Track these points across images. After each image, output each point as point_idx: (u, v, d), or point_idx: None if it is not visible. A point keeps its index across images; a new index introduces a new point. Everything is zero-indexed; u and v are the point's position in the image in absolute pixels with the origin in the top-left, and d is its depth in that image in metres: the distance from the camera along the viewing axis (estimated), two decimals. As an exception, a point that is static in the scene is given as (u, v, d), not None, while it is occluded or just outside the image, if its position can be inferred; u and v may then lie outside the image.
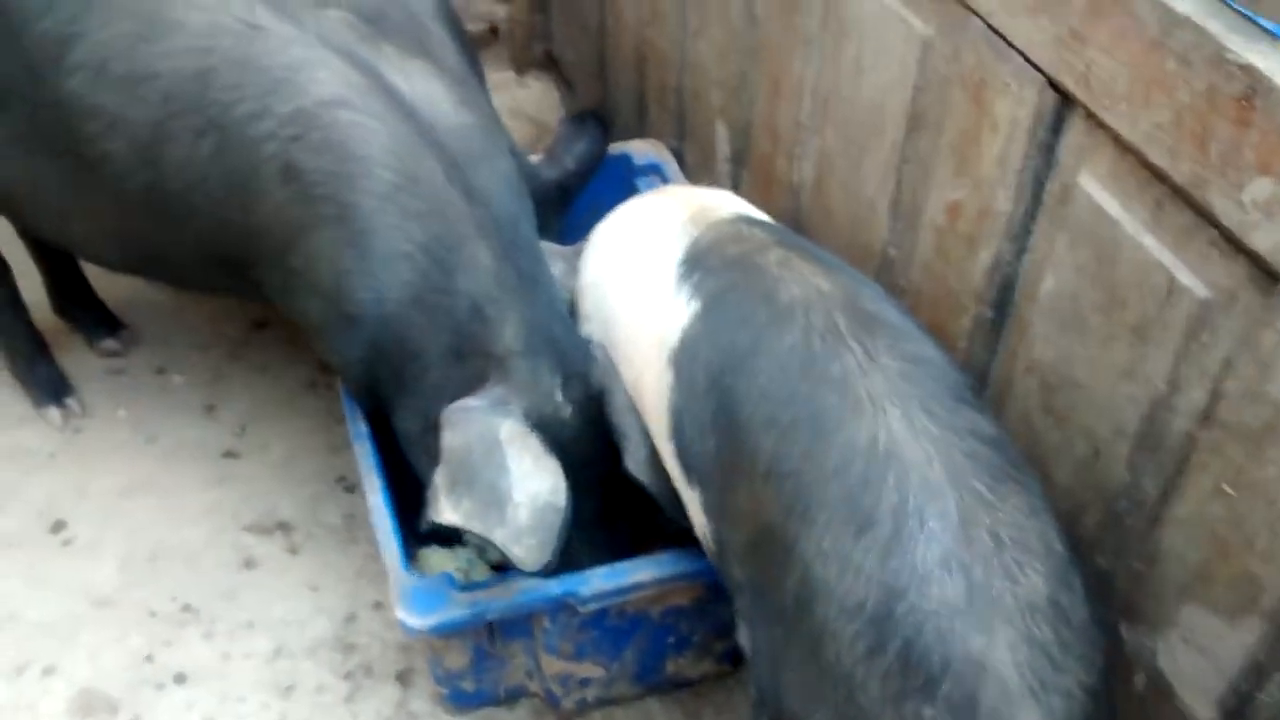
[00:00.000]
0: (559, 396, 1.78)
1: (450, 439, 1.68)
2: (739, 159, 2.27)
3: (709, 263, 1.65)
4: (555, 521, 1.64)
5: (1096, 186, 1.39)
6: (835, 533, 1.32)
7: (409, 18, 2.11)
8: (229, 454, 2.43)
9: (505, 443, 1.67)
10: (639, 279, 1.78)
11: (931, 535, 1.27)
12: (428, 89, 1.84)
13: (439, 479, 1.67)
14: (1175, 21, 1.20)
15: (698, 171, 2.44)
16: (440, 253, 1.78)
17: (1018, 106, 1.46)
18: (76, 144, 1.86)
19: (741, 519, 1.50)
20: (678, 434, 1.64)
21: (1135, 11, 1.24)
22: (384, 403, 1.93)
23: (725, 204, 1.85)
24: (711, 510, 1.59)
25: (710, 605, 1.91)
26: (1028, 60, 1.42)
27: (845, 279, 1.55)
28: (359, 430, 1.99)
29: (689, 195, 1.90)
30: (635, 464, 1.79)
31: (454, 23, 2.25)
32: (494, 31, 3.39)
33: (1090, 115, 1.36)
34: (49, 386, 2.47)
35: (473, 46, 2.32)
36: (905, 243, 1.78)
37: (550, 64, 3.35)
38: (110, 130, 1.82)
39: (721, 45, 2.20)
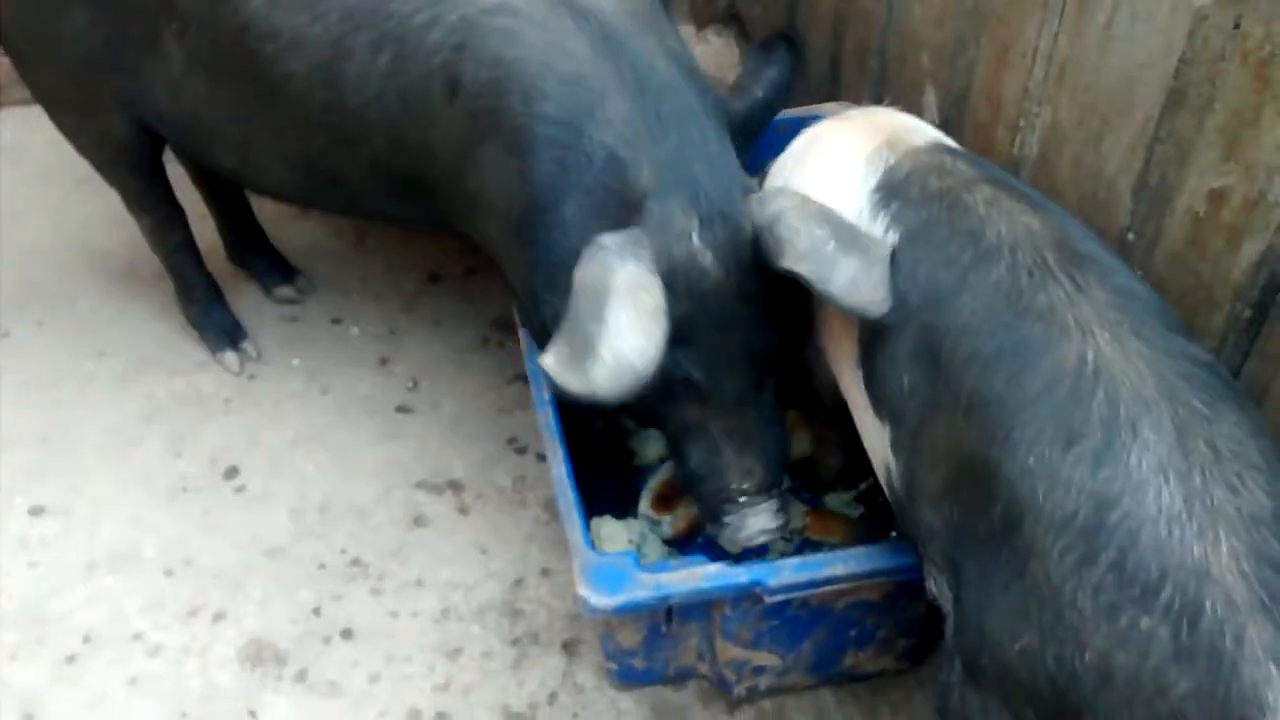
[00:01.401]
0: (695, 240, 1.64)
1: (576, 277, 1.60)
2: (949, 127, 2.11)
3: (909, 193, 1.58)
4: (630, 384, 1.54)
5: (1407, 181, 1.23)
6: (1042, 449, 1.29)
7: None
8: (401, 409, 2.40)
9: (613, 291, 1.56)
10: (831, 200, 1.66)
11: (1146, 444, 1.23)
12: None
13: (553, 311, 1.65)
14: None
15: (898, 140, 2.29)
16: (580, 112, 1.67)
17: (1315, 86, 1.30)
18: (257, 66, 1.84)
19: (939, 456, 1.45)
20: (867, 364, 1.58)
21: None
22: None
23: (921, 130, 1.75)
24: (902, 448, 1.53)
25: (900, 601, 1.82)
26: (1336, 33, 1.26)
27: (1056, 218, 1.49)
28: (541, 397, 1.93)
29: (883, 118, 1.79)
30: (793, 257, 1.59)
31: None
32: (675, -16, 3.27)
33: None
34: (225, 332, 2.48)
35: None
36: (1149, 229, 1.63)
37: (733, 19, 3.22)
38: (291, 49, 1.80)
39: (939, 6, 2.05)
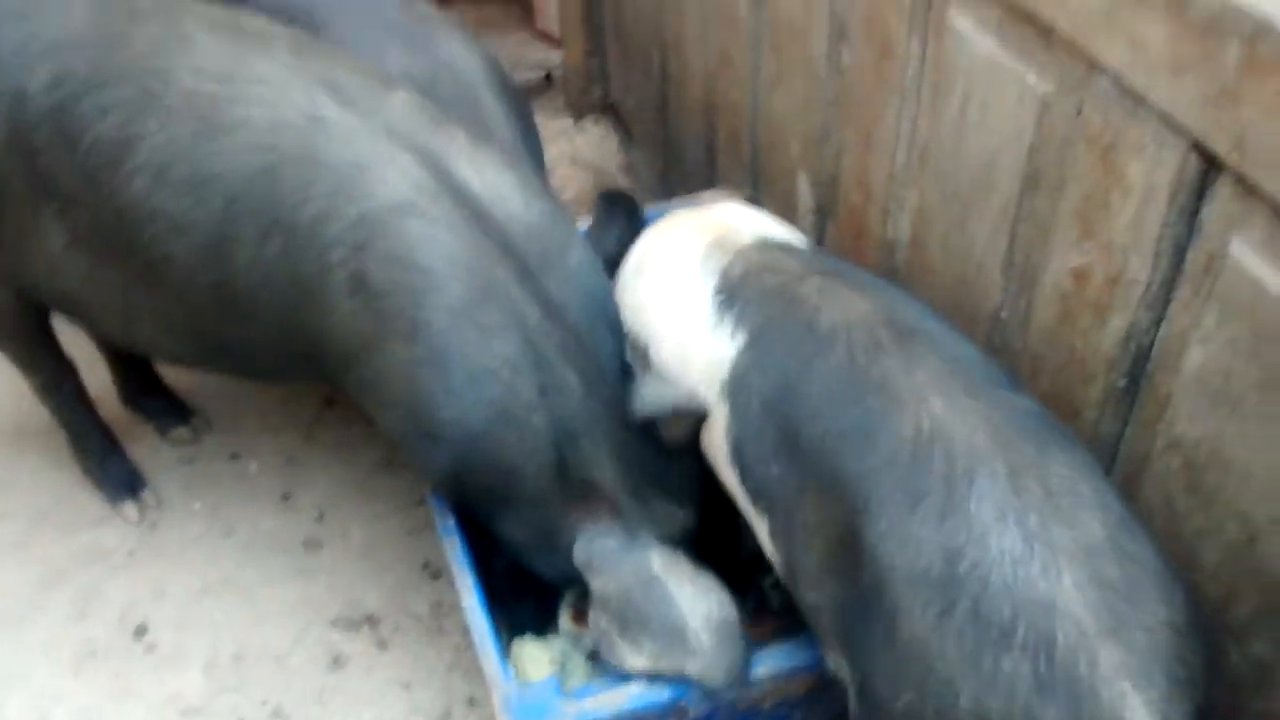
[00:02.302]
0: (680, 517, 1.78)
1: (604, 585, 1.71)
2: (824, 210, 2.16)
3: (747, 294, 1.65)
4: (735, 632, 1.65)
5: (1251, 256, 1.26)
6: (894, 511, 1.35)
7: (460, 86, 2.04)
8: (309, 543, 2.35)
9: (661, 576, 1.69)
10: (676, 307, 1.74)
11: (983, 493, 1.30)
12: (498, 182, 1.74)
13: (607, 627, 1.70)
14: (1351, 84, 1.08)
15: (778, 223, 2.33)
16: (526, 370, 1.71)
17: (1155, 169, 1.34)
18: (140, 247, 1.79)
19: (812, 537, 1.51)
20: (739, 461, 1.63)
21: (1300, 72, 1.12)
22: (477, 511, 1.86)
23: (744, 224, 1.82)
24: (780, 536, 1.59)
25: (824, 692, 1.81)
26: (1169, 121, 1.30)
27: (885, 298, 1.58)
28: (448, 525, 1.90)
29: (708, 220, 1.85)
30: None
31: (506, 87, 2.17)
32: (549, 78, 3.30)
33: (1242, 180, 1.24)
34: (123, 481, 2.42)
35: (528, 105, 2.24)
36: (1021, 306, 1.66)
37: (608, 109, 3.26)
38: (174, 233, 1.75)
39: (802, 95, 2.09)
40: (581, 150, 3.22)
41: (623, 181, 3.13)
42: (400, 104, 1.76)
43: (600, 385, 1.75)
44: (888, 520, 1.35)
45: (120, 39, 1.76)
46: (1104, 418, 1.57)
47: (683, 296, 1.72)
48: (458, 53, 2.12)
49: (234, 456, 2.53)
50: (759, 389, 1.57)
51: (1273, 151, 1.18)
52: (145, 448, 2.53)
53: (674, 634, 1.65)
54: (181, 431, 2.53)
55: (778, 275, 1.64)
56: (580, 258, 1.80)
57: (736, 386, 1.61)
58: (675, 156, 2.83)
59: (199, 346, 1.98)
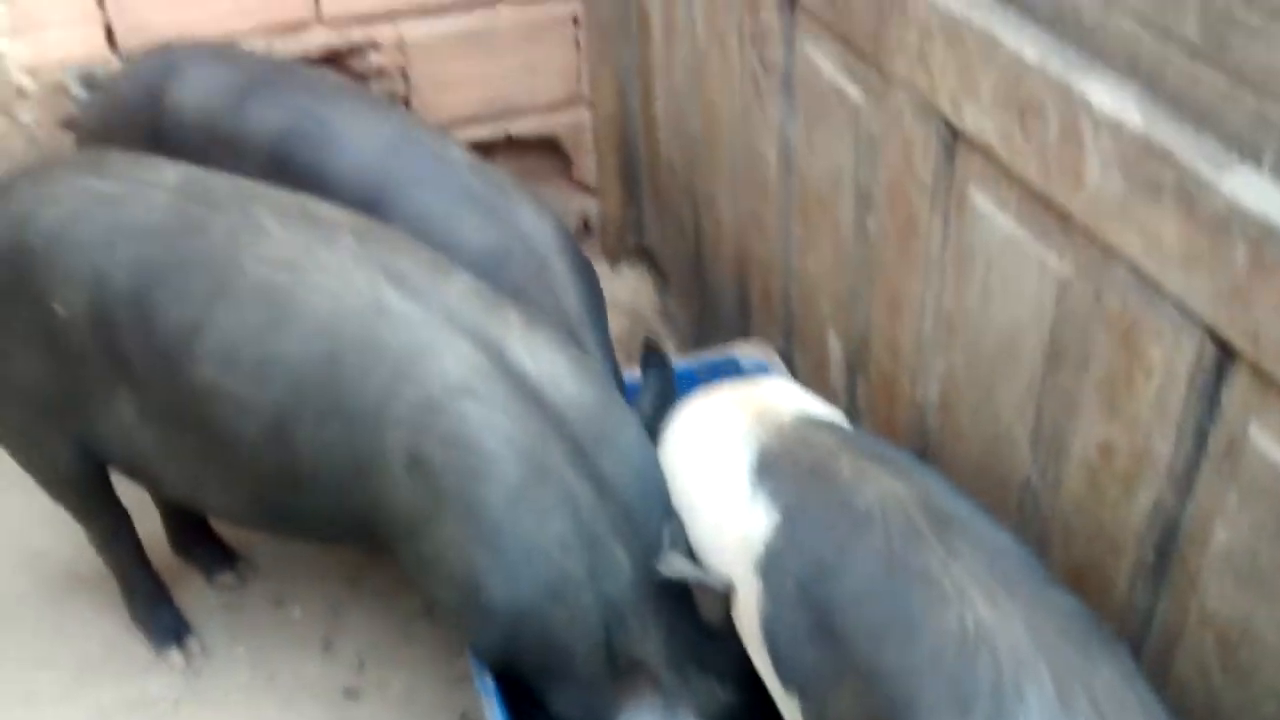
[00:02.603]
0: (720, 694, 1.80)
1: None
2: (855, 369, 2.20)
3: (782, 471, 1.68)
4: None
5: (1270, 442, 1.29)
6: (941, 717, 1.34)
7: (531, 254, 2.12)
8: (349, 692, 2.38)
9: None
10: (713, 483, 1.78)
11: (1031, 705, 1.29)
12: (552, 364, 1.82)
13: None
14: (1356, 289, 1.12)
15: (809, 377, 2.38)
16: (577, 549, 1.76)
17: (1174, 354, 1.38)
18: (208, 423, 1.87)
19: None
20: (772, 642, 1.63)
21: (1307, 275, 1.16)
22: (529, 682, 1.89)
23: (785, 401, 1.85)
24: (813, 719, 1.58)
25: None
26: (1184, 310, 1.34)
27: (916, 477, 1.61)
28: (485, 682, 1.92)
29: (749, 395, 1.90)
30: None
31: (576, 256, 2.26)
32: (586, 225, 3.40)
33: (1258, 370, 1.27)
34: (170, 629, 2.46)
35: (592, 270, 2.33)
36: (1050, 474, 1.69)
37: (644, 255, 3.35)
38: (239, 413, 1.83)
39: (830, 260, 2.16)
40: (618, 295, 3.30)
41: (658, 326, 3.20)
42: (458, 290, 1.85)
43: (649, 563, 1.79)
44: None
45: (197, 227, 1.87)
46: (1136, 590, 1.58)
47: (720, 470, 1.76)
48: (530, 222, 2.21)
49: (278, 603, 2.57)
50: (794, 569, 1.58)
51: (1285, 347, 1.22)
52: (192, 593, 2.58)
53: None
54: (228, 577, 2.59)
55: (812, 451, 1.67)
56: (632, 437, 1.87)
57: (770, 565, 1.63)
58: (710, 305, 2.90)
59: (262, 512, 2.05)
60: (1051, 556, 1.73)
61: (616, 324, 3.14)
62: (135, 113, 2.41)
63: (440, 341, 1.76)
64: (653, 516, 1.83)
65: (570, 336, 2.05)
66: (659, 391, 2.06)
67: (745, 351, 2.48)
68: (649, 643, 1.78)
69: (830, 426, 1.76)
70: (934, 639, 1.38)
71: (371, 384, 1.76)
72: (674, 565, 1.75)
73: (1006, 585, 1.41)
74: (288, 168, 2.23)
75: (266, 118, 2.30)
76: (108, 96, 2.55)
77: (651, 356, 2.12)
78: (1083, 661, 1.33)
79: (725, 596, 1.72)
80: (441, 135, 2.39)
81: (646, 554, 1.79)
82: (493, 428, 1.74)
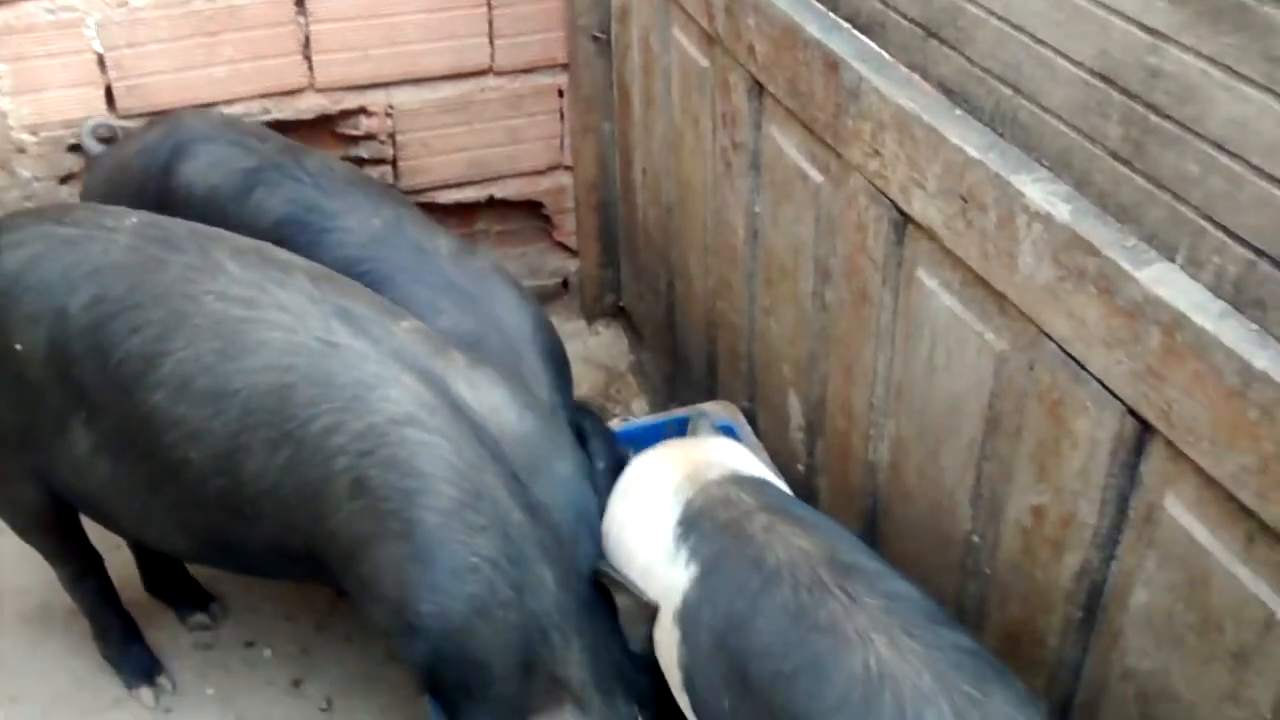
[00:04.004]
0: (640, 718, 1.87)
1: None
2: (813, 429, 2.32)
3: (703, 527, 1.77)
4: None
5: (1183, 511, 1.41)
6: None
7: (506, 344, 2.23)
8: (316, 732, 2.44)
9: None
10: (644, 534, 1.87)
11: None
12: (493, 397, 1.95)
13: None
14: (1253, 375, 1.24)
15: (771, 436, 2.49)
16: (505, 568, 1.84)
17: (1097, 427, 1.50)
18: (159, 451, 1.95)
19: None
20: (690, 689, 1.73)
21: (1211, 360, 1.29)
22: (450, 705, 1.96)
23: (721, 460, 1.93)
24: None
25: None
26: (1106, 387, 1.46)
27: (823, 535, 1.70)
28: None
29: (687, 452, 1.98)
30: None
31: (547, 342, 2.36)
32: (565, 284, 3.52)
33: (1172, 445, 1.39)
34: (141, 667, 2.52)
35: (565, 358, 2.43)
36: (989, 535, 1.80)
37: (620, 314, 3.47)
38: (190, 440, 1.91)
39: (791, 326, 2.28)
40: (594, 351, 3.42)
41: (632, 382, 3.32)
42: (405, 330, 1.96)
43: (575, 583, 1.89)
44: None
45: (156, 264, 1.96)
46: (1065, 645, 1.69)
47: (651, 524, 1.84)
48: (507, 311, 2.32)
49: (249, 644, 2.63)
50: (709, 620, 1.68)
51: (1194, 426, 1.33)
52: (164, 633, 2.63)
53: None
54: (200, 617, 2.65)
55: (730, 509, 1.76)
56: (569, 467, 1.98)
57: (688, 615, 1.72)
58: (681, 363, 3.01)
59: (205, 544, 2.12)
60: (990, 613, 1.84)
61: (592, 378, 3.26)
62: (144, 183, 2.52)
63: (388, 376, 1.87)
64: (582, 543, 1.93)
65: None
66: (603, 446, 2.17)
67: (712, 410, 2.58)
68: (572, 662, 1.85)
69: (753, 485, 1.84)
70: (841, 683, 1.47)
71: (321, 415, 1.85)
72: (607, 571, 1.86)
73: (905, 627, 1.51)
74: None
75: (269, 205, 2.42)
76: (115, 161, 2.65)
77: (585, 416, 2.23)
78: (977, 693, 1.43)
79: (650, 617, 1.80)
80: (430, 227, 2.50)
81: (573, 577, 1.89)
82: (431, 452, 1.84)
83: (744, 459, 1.98)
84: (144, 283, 1.95)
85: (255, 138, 2.61)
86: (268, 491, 1.90)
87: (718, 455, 1.96)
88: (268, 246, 2.05)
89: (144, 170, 2.54)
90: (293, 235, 2.35)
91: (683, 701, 1.78)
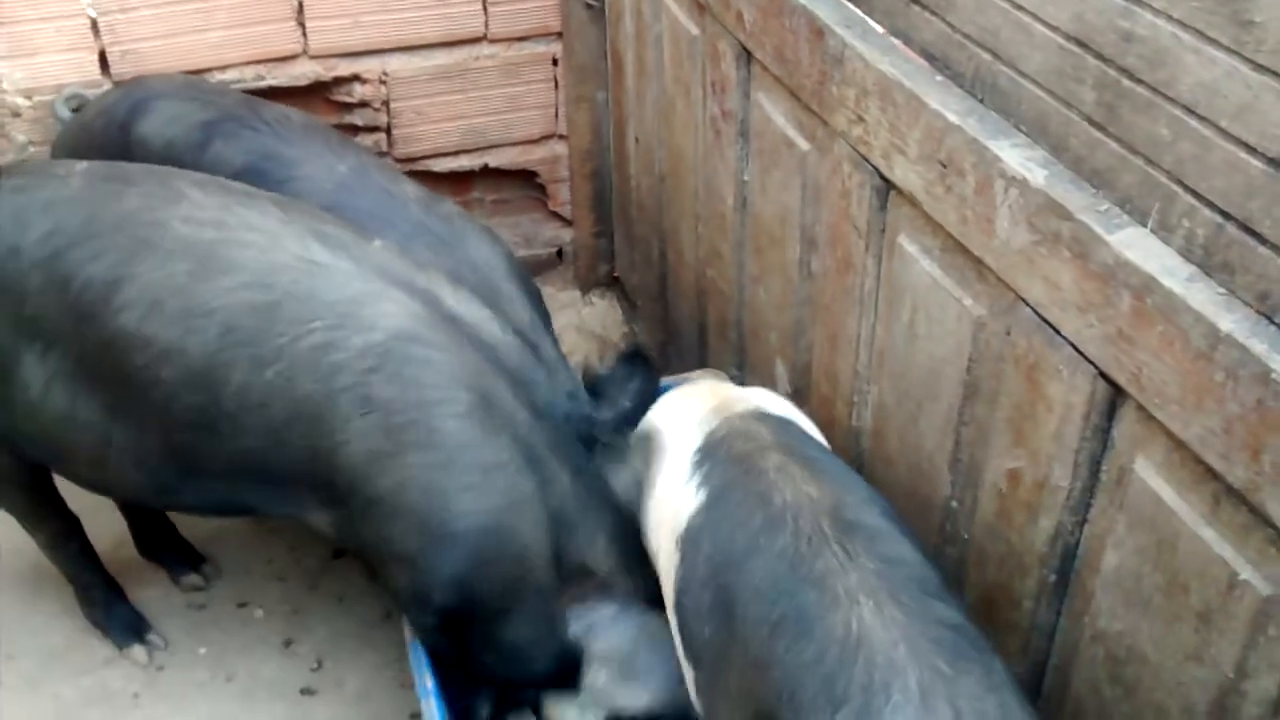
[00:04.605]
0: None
1: (605, 644, 1.93)
2: (799, 396, 2.33)
3: (717, 455, 1.81)
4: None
5: (1152, 474, 1.43)
6: (816, 713, 1.43)
7: (481, 280, 2.24)
8: (306, 690, 2.47)
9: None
10: (665, 461, 1.92)
11: (896, 706, 1.38)
12: (479, 312, 2.00)
13: (606, 682, 1.91)
14: (1219, 337, 1.25)
15: (759, 404, 2.51)
16: (524, 465, 1.90)
17: (1070, 391, 1.52)
18: (123, 373, 1.94)
19: (733, 703, 1.61)
20: (679, 611, 1.77)
21: (1179, 323, 1.30)
22: (483, 616, 1.97)
23: (751, 398, 1.98)
24: (703, 691, 1.70)
25: None
26: (1079, 351, 1.48)
27: (834, 485, 1.70)
28: (425, 687, 2.00)
29: (720, 388, 2.03)
30: None
31: (524, 279, 2.39)
32: (560, 254, 3.54)
33: (1142, 408, 1.41)
34: (129, 626, 2.56)
35: (538, 291, 2.46)
36: (967, 499, 1.82)
37: (614, 284, 3.48)
38: (161, 359, 1.91)
39: (779, 294, 2.29)
40: (588, 320, 3.43)
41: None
42: (382, 250, 1.99)
43: (586, 477, 1.96)
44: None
45: (114, 196, 1.97)
46: (1040, 608, 1.71)
47: (672, 449, 1.89)
48: (478, 250, 2.35)
49: (241, 604, 2.67)
50: (707, 551, 1.70)
51: (1163, 389, 1.35)
52: (157, 592, 2.67)
53: (677, 677, 1.80)
54: (193, 578, 2.68)
55: (748, 444, 1.78)
56: (559, 376, 2.07)
57: (689, 541, 1.75)
58: (673, 333, 3.03)
59: (165, 475, 2.07)
60: (968, 577, 1.86)
61: (586, 348, 3.27)
62: (104, 144, 2.51)
63: (376, 292, 1.90)
64: (579, 444, 2.00)
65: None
66: (640, 386, 2.18)
67: (699, 378, 2.60)
68: (598, 550, 1.93)
69: (776, 423, 1.86)
70: (821, 640, 1.48)
71: (312, 331, 1.86)
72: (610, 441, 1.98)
73: (894, 594, 1.51)
74: None
75: (228, 156, 2.42)
76: (77, 125, 2.65)
77: (633, 353, 2.25)
78: (951, 671, 1.42)
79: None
80: (395, 173, 2.52)
81: (583, 469, 1.96)
82: (439, 363, 1.87)
83: (776, 401, 2.00)
84: (102, 213, 1.95)
85: (214, 93, 2.61)
86: (253, 408, 1.90)
87: (751, 395, 2.00)
88: (228, 180, 2.08)
89: (103, 132, 2.54)
90: (253, 185, 2.34)
91: (671, 620, 1.81)
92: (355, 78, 2.99)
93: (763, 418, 1.87)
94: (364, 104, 3.02)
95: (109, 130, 2.54)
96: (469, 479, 1.88)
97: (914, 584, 1.55)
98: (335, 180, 2.39)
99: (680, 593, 1.76)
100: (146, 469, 2.08)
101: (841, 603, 1.51)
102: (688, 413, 1.94)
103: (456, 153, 3.21)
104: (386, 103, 3.05)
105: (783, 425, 1.88)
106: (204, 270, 1.89)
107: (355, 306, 1.88)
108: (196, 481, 2.08)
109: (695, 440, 1.86)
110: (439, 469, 1.87)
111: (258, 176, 2.36)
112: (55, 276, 1.94)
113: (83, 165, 2.07)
